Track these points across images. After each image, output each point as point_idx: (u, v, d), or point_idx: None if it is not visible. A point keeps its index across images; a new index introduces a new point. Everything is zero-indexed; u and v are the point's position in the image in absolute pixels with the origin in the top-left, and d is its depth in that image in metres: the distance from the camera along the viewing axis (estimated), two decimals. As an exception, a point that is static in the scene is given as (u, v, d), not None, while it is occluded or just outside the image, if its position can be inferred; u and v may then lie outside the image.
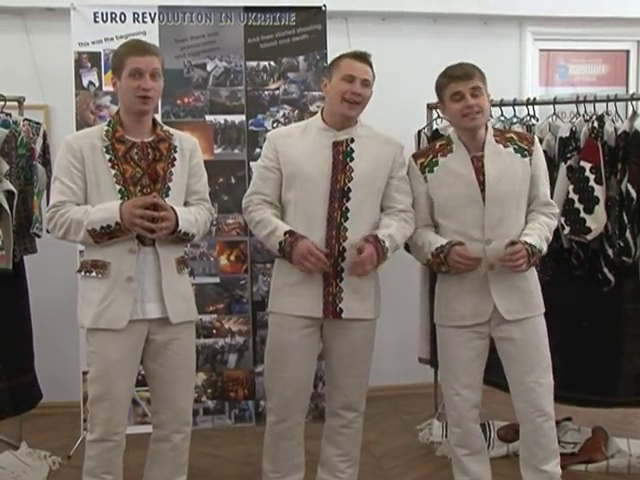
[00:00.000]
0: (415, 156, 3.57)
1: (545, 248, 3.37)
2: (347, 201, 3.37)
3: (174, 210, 3.17)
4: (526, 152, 3.42)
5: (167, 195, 3.23)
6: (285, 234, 3.33)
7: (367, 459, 4.22)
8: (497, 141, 3.43)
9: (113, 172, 3.17)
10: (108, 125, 3.25)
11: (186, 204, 3.34)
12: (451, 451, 3.63)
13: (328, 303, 3.39)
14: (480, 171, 3.37)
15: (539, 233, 3.35)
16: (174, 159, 3.30)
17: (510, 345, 3.41)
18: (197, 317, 3.48)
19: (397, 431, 4.90)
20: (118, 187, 3.16)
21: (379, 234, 3.37)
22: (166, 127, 3.39)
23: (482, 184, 3.35)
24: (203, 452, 4.46)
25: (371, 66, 3.41)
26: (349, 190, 3.37)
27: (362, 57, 3.39)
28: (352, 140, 3.42)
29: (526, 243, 3.28)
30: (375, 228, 3.43)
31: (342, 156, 3.39)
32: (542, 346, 3.41)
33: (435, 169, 3.45)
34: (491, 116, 4.24)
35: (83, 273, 3.23)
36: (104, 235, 3.11)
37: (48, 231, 3.31)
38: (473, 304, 3.41)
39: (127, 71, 3.16)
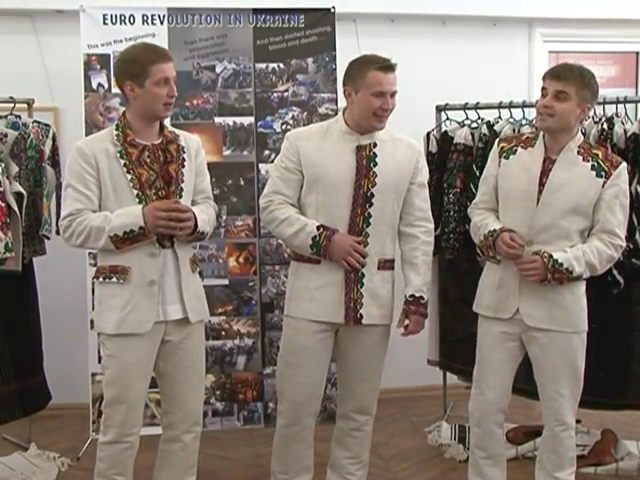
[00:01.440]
0: (501, 139, 3.59)
1: (580, 271, 3.30)
2: (370, 206, 3.38)
3: (192, 211, 3.21)
4: (603, 173, 3.33)
5: (180, 196, 3.25)
6: (318, 228, 3.33)
7: (376, 461, 4.22)
8: (579, 152, 3.35)
9: (129, 177, 3.17)
10: (117, 129, 3.23)
11: (193, 202, 3.36)
12: (470, 451, 3.66)
13: (349, 309, 3.40)
14: (546, 174, 3.35)
15: (577, 254, 3.29)
16: (184, 160, 3.31)
17: (538, 350, 3.41)
18: (209, 316, 3.52)
19: (406, 433, 4.92)
20: (135, 192, 3.17)
21: (409, 292, 3.46)
22: (171, 127, 3.41)
23: (543, 186, 3.34)
24: (212, 454, 4.48)
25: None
26: (372, 195, 3.37)
27: (390, 68, 3.35)
28: (375, 145, 3.40)
29: (550, 257, 3.26)
30: (393, 237, 3.48)
31: (366, 161, 3.38)
32: (572, 361, 3.40)
33: (511, 157, 3.45)
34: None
35: (102, 279, 3.22)
36: (126, 240, 3.11)
37: (58, 232, 3.32)
38: (499, 297, 3.43)
39: (154, 79, 3.14)
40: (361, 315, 3.40)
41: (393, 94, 3.37)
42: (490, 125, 4.59)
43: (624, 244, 3.42)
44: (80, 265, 4.57)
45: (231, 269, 4.68)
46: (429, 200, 3.58)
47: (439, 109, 4.97)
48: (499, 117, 4.64)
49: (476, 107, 4.71)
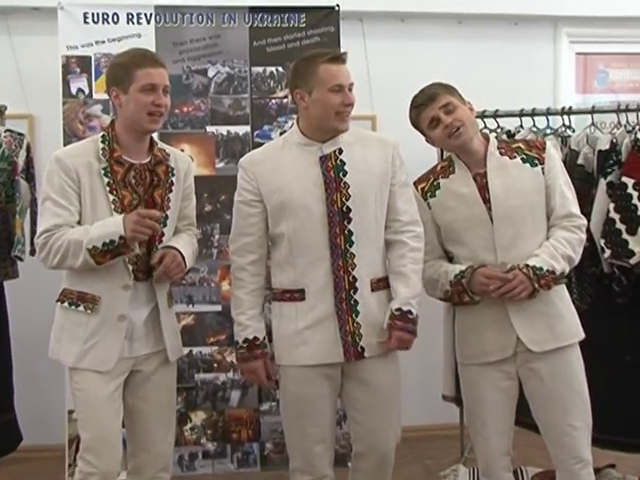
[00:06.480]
0: (416, 182, 3.54)
1: (561, 267, 3.28)
2: (349, 223, 3.24)
3: (181, 253, 3.22)
4: (536, 160, 3.37)
5: (165, 224, 3.21)
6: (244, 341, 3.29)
7: (387, 508, 4.17)
8: (502, 153, 3.39)
9: (111, 198, 3.13)
10: (103, 142, 3.19)
11: (175, 229, 3.35)
12: None
13: (348, 344, 3.27)
14: (485, 188, 3.34)
15: (550, 252, 3.27)
16: (172, 184, 3.28)
17: (539, 384, 3.34)
18: (183, 353, 3.55)
19: (419, 477, 4.87)
20: (115, 215, 3.12)
21: (395, 305, 3.28)
22: (162, 145, 3.36)
23: (488, 202, 3.33)
24: (202, 501, 4.47)
25: None
26: (349, 210, 3.24)
27: (342, 59, 3.27)
28: (340, 151, 3.29)
29: (526, 267, 3.22)
30: (383, 252, 3.36)
31: (333, 172, 3.26)
32: (577, 383, 3.34)
33: (437, 193, 3.44)
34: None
35: (67, 304, 3.20)
36: (107, 253, 3.04)
37: (32, 253, 3.28)
38: (494, 338, 3.36)
39: (138, 85, 3.11)
40: (362, 348, 3.28)
41: (351, 87, 3.27)
42: (511, 135, 4.59)
43: (584, 221, 3.42)
44: (57, 290, 4.51)
45: (224, 294, 4.62)
46: (414, 200, 3.45)
47: (453, 115, 4.96)
48: (521, 126, 4.64)
49: (495, 115, 4.70)
